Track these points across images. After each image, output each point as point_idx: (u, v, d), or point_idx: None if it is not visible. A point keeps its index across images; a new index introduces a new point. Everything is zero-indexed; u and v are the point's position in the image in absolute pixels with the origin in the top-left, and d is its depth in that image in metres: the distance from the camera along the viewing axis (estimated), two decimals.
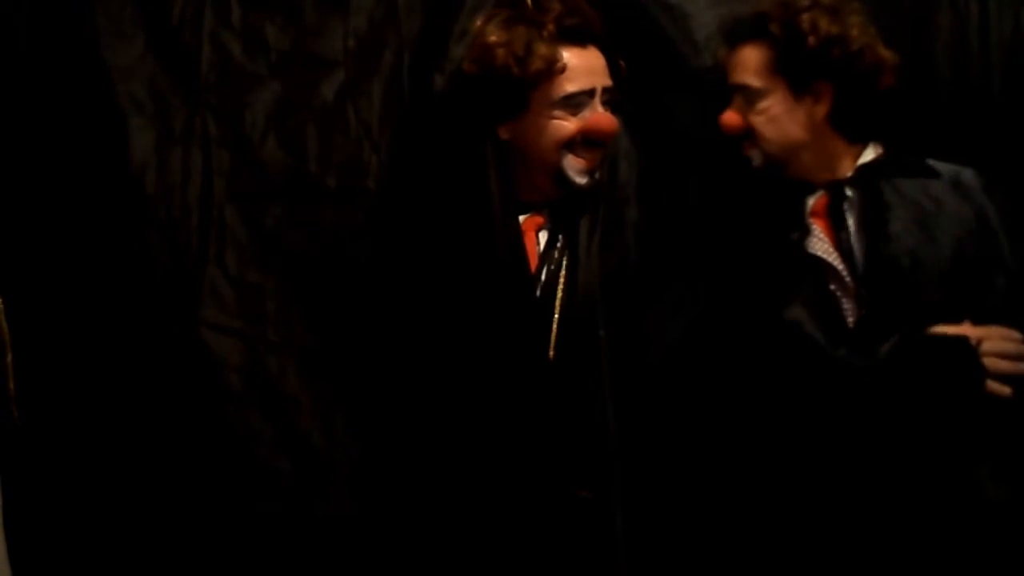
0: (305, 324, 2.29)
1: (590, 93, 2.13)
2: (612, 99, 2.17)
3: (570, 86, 2.13)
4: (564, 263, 2.16)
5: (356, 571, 2.18)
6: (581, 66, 2.13)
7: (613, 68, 2.18)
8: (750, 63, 2.11)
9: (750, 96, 2.11)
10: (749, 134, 2.13)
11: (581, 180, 2.15)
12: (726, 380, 2.15)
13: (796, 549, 2.05)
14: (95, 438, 2.27)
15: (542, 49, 2.10)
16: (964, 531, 1.98)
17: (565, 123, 2.13)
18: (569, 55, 2.13)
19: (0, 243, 2.28)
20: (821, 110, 2.10)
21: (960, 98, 2.29)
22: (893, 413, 1.98)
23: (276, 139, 2.34)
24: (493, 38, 2.12)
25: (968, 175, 2.10)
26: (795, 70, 2.08)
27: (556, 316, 2.13)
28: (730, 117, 2.14)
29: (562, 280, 2.15)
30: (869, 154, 2.14)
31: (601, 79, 2.15)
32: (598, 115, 2.13)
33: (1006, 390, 1.97)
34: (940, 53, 2.30)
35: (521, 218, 2.18)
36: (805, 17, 2.06)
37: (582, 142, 2.14)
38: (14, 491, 2.18)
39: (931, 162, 2.12)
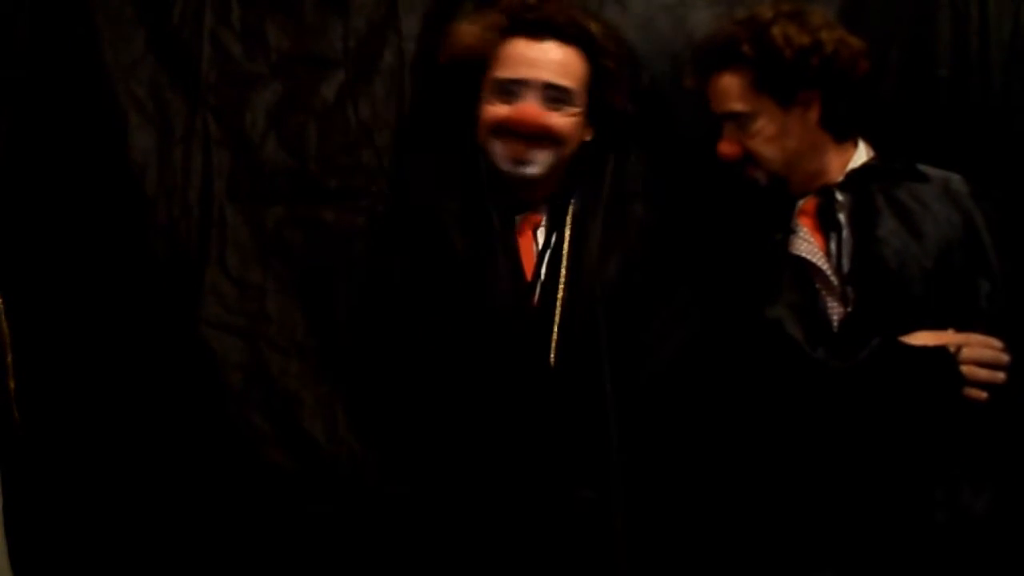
0: (306, 323, 2.29)
1: (523, 83, 2.14)
2: (560, 97, 2.15)
3: (502, 73, 2.16)
4: (564, 263, 2.15)
5: (357, 569, 2.18)
6: (520, 56, 2.16)
7: (594, 72, 2.18)
8: (732, 90, 2.10)
9: (741, 121, 2.11)
10: (749, 158, 2.12)
11: (504, 167, 2.16)
12: (721, 381, 2.16)
13: (792, 549, 2.06)
14: (96, 437, 2.27)
15: (485, 36, 2.17)
16: (940, 538, 1.98)
17: (494, 108, 2.16)
18: (513, 45, 2.16)
19: (0, 243, 2.28)
20: (812, 116, 2.09)
21: (960, 98, 2.29)
22: (868, 416, 1.98)
23: (276, 139, 2.34)
24: (457, 29, 2.21)
25: (957, 181, 2.10)
26: (778, 86, 2.07)
27: (557, 319, 2.12)
28: (726, 147, 2.14)
29: (563, 280, 2.14)
30: (860, 157, 2.14)
31: (542, 73, 2.15)
32: (522, 105, 2.14)
33: (983, 395, 1.97)
34: (940, 53, 2.30)
35: (519, 217, 2.19)
36: (776, 32, 2.05)
37: (506, 130, 2.15)
38: (14, 491, 2.17)
39: (921, 167, 2.12)
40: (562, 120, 2.15)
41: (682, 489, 2.14)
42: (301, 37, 2.36)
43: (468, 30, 2.20)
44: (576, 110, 2.17)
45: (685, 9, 2.35)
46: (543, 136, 2.14)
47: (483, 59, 2.18)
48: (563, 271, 2.14)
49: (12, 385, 2.13)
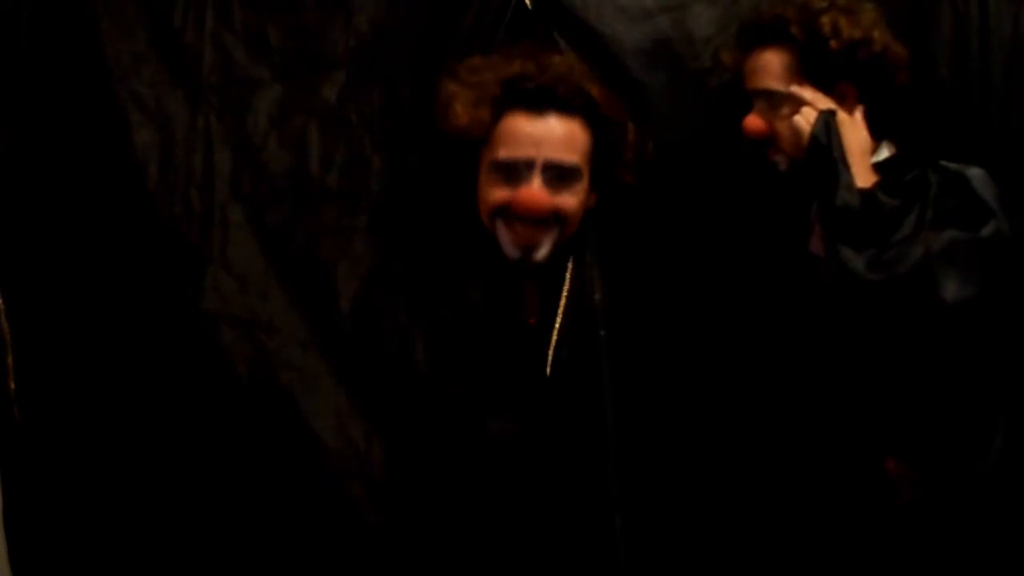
0: (308, 324, 2.28)
1: (527, 164, 2.01)
2: (565, 175, 2.04)
3: (503, 152, 2.03)
4: (565, 288, 2.11)
5: (360, 568, 2.18)
6: (522, 134, 2.02)
7: (597, 141, 2.08)
8: (772, 67, 2.10)
9: (774, 101, 2.10)
10: (771, 139, 2.11)
11: (512, 253, 2.06)
12: (727, 383, 2.16)
13: (794, 550, 2.06)
14: (97, 437, 2.26)
15: (480, 113, 2.02)
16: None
17: (497, 190, 2.04)
18: (512, 121, 2.04)
19: (1, 242, 2.28)
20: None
21: (960, 98, 2.30)
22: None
23: (278, 140, 2.34)
24: (452, 89, 2.06)
25: (977, 175, 2.10)
26: (819, 74, 2.07)
27: (554, 334, 2.09)
28: (753, 122, 2.11)
29: (564, 296, 2.11)
30: (882, 153, 2.15)
31: (545, 151, 2.01)
32: (526, 190, 2.00)
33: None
34: (940, 53, 2.30)
35: None
36: (825, 20, 2.05)
37: (511, 214, 2.04)
38: (14, 491, 2.17)
39: (942, 162, 2.12)
40: (569, 200, 2.04)
41: (681, 496, 2.14)
42: (302, 38, 2.35)
43: (461, 106, 2.04)
44: (582, 186, 2.07)
45: (684, 9, 2.34)
46: (551, 219, 2.04)
47: (480, 138, 2.06)
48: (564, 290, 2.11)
49: (13, 386, 2.13)
